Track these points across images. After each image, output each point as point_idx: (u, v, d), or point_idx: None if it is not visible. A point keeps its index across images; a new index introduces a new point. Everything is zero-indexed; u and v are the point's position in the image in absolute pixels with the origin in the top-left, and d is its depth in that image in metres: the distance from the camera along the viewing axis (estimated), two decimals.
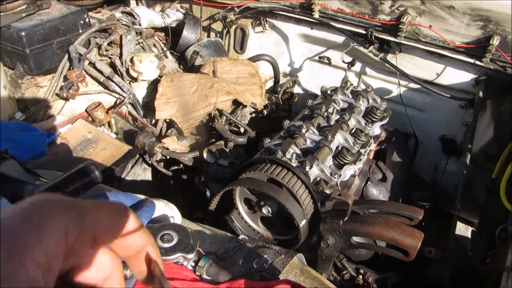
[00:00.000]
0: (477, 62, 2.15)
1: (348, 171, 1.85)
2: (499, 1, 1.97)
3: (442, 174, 2.63)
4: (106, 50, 2.45)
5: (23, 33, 2.13)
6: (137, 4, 2.94)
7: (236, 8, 2.69)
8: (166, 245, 0.98)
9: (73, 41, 2.37)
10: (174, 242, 0.99)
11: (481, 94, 2.17)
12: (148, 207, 1.08)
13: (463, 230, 2.63)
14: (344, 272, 1.75)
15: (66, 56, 2.37)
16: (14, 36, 2.14)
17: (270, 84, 2.88)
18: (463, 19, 2.09)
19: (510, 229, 1.78)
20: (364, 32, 2.36)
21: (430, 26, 2.19)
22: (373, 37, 2.33)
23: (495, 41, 2.03)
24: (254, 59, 2.58)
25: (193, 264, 1.03)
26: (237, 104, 2.24)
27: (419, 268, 1.94)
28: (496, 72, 2.13)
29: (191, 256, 0.97)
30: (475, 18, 2.06)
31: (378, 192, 1.99)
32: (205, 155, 2.00)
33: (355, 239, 1.49)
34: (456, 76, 2.29)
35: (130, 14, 2.71)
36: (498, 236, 1.81)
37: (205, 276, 1.01)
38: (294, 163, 1.64)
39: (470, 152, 2.12)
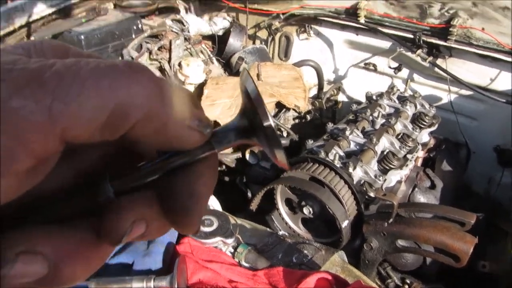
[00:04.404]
0: None
1: (393, 176, 1.78)
2: None
3: (497, 186, 2.47)
4: (157, 55, 2.55)
5: (82, 36, 2.28)
6: (187, 12, 3.05)
7: (281, 15, 2.72)
8: (207, 229, 0.99)
9: (126, 45, 2.49)
10: (214, 227, 1.00)
11: None
12: None
13: None
14: (389, 280, 1.67)
15: (120, 59, 2.49)
16: (74, 39, 2.29)
17: (313, 92, 2.86)
18: None
19: None
20: (412, 36, 2.30)
21: (483, 29, 2.10)
22: (421, 41, 2.26)
23: None
24: (298, 64, 2.58)
25: (232, 250, 1.03)
26: (280, 107, 2.25)
27: (471, 283, 1.82)
28: None
29: (230, 241, 0.97)
30: None
31: (426, 200, 1.90)
32: (247, 156, 2.01)
33: (401, 242, 1.42)
34: None
35: (179, 21, 2.81)
36: None
37: (243, 263, 1.01)
38: (337, 164, 1.61)
39: None
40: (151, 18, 2.82)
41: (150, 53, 2.57)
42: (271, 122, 0.31)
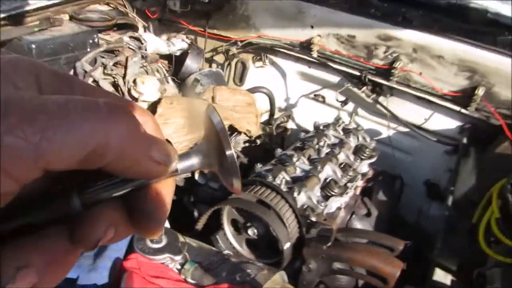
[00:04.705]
0: (463, 111, 2.27)
1: (334, 203, 1.90)
2: (485, 54, 2.12)
3: (426, 218, 2.68)
4: (111, 70, 2.54)
5: (33, 45, 2.23)
6: (145, 30, 3.08)
7: (239, 43, 2.83)
8: (155, 245, 1.02)
9: (80, 58, 2.46)
10: (163, 243, 1.03)
11: (465, 141, 2.27)
12: None
13: (442, 277, 2.64)
14: None
15: (72, 71, 2.45)
16: (25, 47, 2.23)
17: (265, 117, 2.97)
18: (451, 68, 2.23)
19: (487, 273, 1.82)
20: (358, 73, 2.49)
21: (421, 73, 2.33)
22: (366, 79, 2.45)
23: (480, 91, 2.15)
24: (252, 90, 2.69)
25: (179, 267, 1.06)
26: (232, 130, 2.32)
27: None
28: (480, 121, 2.25)
29: (178, 258, 1.00)
30: (462, 69, 2.20)
31: (362, 226, 2.03)
32: (196, 176, 2.05)
33: (337, 265, 1.52)
34: (443, 123, 2.40)
35: (137, 39, 2.83)
36: (475, 279, 1.85)
37: (189, 279, 1.04)
38: (284, 188, 1.69)
39: (452, 197, 2.19)
40: (108, 33, 2.81)
41: (105, 67, 2.56)
42: (233, 151, 0.37)
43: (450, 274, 2.51)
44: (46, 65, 0.34)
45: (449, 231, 2.14)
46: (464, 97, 2.25)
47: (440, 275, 2.50)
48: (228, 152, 0.35)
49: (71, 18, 2.70)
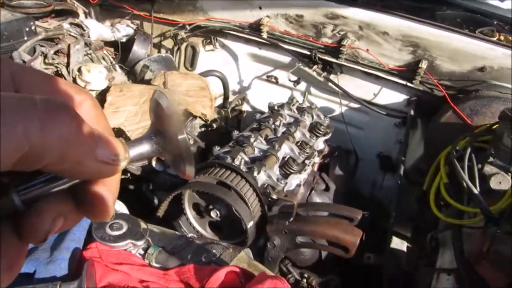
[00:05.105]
0: (409, 84, 2.37)
1: (293, 180, 1.93)
2: (426, 29, 2.21)
3: (380, 189, 2.80)
4: (53, 59, 2.40)
5: None
6: (86, 17, 2.93)
7: (187, 26, 2.76)
8: (116, 233, 0.99)
9: (17, 47, 2.30)
10: (124, 230, 1.00)
11: (412, 113, 2.37)
12: None
13: (399, 244, 2.79)
14: (289, 276, 1.79)
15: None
16: None
17: (219, 101, 2.94)
18: (395, 44, 2.31)
19: (439, 236, 1.94)
20: (308, 53, 2.52)
21: (368, 50, 2.40)
22: (317, 58, 2.49)
23: (424, 65, 2.26)
24: (205, 74, 2.65)
25: (142, 252, 1.04)
26: (187, 115, 2.28)
27: (359, 273, 2.05)
28: (425, 93, 2.36)
29: (140, 243, 0.98)
30: (406, 44, 2.29)
31: (321, 201, 2.08)
32: (154, 163, 2.00)
33: (300, 239, 1.55)
34: (391, 96, 2.50)
35: (78, 25, 2.69)
36: (429, 242, 1.96)
37: (154, 264, 1.02)
38: (243, 168, 1.69)
39: (403, 167, 2.29)
40: (46, 21, 2.64)
41: (45, 57, 2.41)
42: (185, 135, 0.35)
43: (405, 241, 2.66)
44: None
45: (402, 199, 2.25)
46: (409, 71, 2.35)
47: (397, 243, 2.64)
48: (180, 136, 0.34)
49: (3, 5, 2.51)
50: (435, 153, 2.13)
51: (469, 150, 1.76)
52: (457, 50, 2.21)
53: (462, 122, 2.12)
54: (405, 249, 2.63)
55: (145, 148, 0.35)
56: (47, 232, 0.31)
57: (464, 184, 1.65)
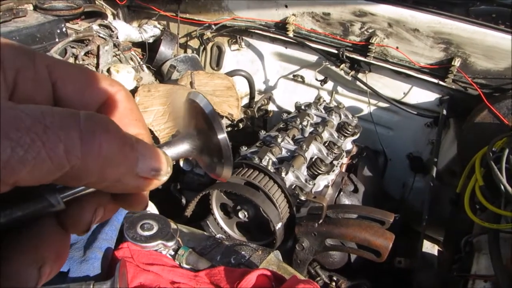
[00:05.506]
0: (441, 82, 2.29)
1: (321, 181, 1.90)
2: (459, 25, 2.14)
3: (410, 190, 2.72)
4: (83, 60, 2.44)
5: None
6: (114, 18, 2.97)
7: (213, 26, 2.76)
8: (147, 233, 0.98)
9: (49, 49, 2.35)
10: (154, 230, 0.99)
11: (444, 112, 2.30)
12: None
13: (429, 248, 2.71)
14: (318, 279, 1.76)
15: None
16: None
17: (245, 101, 2.94)
18: (427, 41, 2.24)
19: (474, 241, 1.87)
20: (336, 51, 2.48)
21: (397, 48, 2.33)
22: (344, 57, 2.44)
23: (457, 62, 2.18)
24: (231, 74, 2.64)
25: (172, 253, 1.03)
26: None
27: (389, 277, 1.99)
28: (458, 92, 2.28)
29: (171, 244, 0.97)
30: (438, 41, 2.22)
31: (350, 202, 2.04)
32: (181, 163, 2.01)
33: (329, 241, 1.52)
34: (422, 96, 2.43)
35: (107, 27, 2.73)
36: (463, 247, 1.89)
37: (184, 265, 1.01)
38: (271, 169, 1.67)
39: (436, 169, 2.22)
40: (76, 22, 2.69)
41: (76, 58, 2.46)
42: (225, 135, 0.34)
43: (436, 245, 2.58)
44: (7, 39, 0.31)
45: (434, 202, 2.18)
46: (441, 69, 2.28)
47: (428, 246, 2.56)
48: (220, 136, 0.32)
49: (36, 8, 2.57)
50: (469, 154, 2.05)
51: (507, 151, 1.68)
52: (492, 46, 2.12)
53: (498, 122, 2.03)
54: (436, 253, 2.56)
55: (181, 149, 0.34)
56: (89, 223, 0.32)
57: (502, 187, 1.58)
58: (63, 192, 0.30)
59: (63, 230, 0.32)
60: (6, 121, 0.24)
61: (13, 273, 0.27)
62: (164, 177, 0.32)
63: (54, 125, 0.25)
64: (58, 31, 2.44)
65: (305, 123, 2.11)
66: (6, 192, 0.25)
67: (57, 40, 2.43)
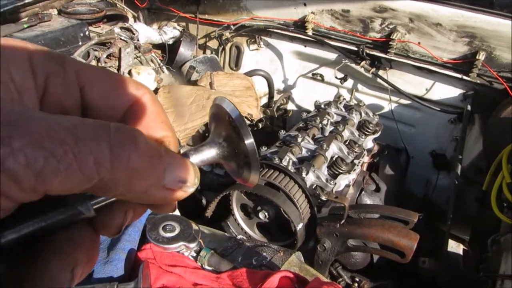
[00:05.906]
0: (465, 77, 2.24)
1: (342, 181, 1.87)
2: (483, 18, 2.08)
3: (433, 189, 2.67)
4: (105, 62, 2.49)
5: None
6: (135, 21, 3.02)
7: (231, 26, 2.77)
8: (169, 234, 0.99)
9: (72, 52, 2.41)
10: (176, 232, 1.00)
11: (469, 108, 2.24)
12: None
13: (454, 247, 2.65)
14: (340, 280, 1.75)
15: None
16: None
17: (264, 101, 2.93)
18: (450, 35, 2.19)
19: (502, 239, 1.82)
20: (355, 49, 2.45)
21: (419, 43, 2.29)
22: (364, 54, 2.41)
23: (481, 56, 2.12)
24: (250, 74, 2.64)
25: (194, 254, 1.04)
26: None
27: (413, 278, 1.96)
28: (483, 86, 2.22)
29: (193, 245, 0.98)
30: (461, 35, 2.16)
31: (372, 202, 2.01)
32: None
33: (351, 242, 1.50)
34: (445, 91, 2.37)
35: (128, 29, 2.77)
36: (490, 246, 1.84)
37: (206, 266, 1.02)
38: (291, 169, 1.67)
39: (460, 166, 2.17)
40: (98, 26, 2.75)
41: (98, 60, 2.51)
42: (253, 140, 0.33)
43: (462, 244, 2.52)
44: (38, 45, 0.32)
45: (459, 200, 2.13)
46: (464, 63, 2.22)
47: (453, 245, 2.50)
48: (248, 141, 0.32)
49: (60, 12, 2.64)
50: (495, 150, 2.00)
51: None
52: None
53: None
54: (461, 252, 2.50)
55: (208, 155, 0.34)
56: (120, 226, 0.33)
57: None
58: (93, 199, 0.31)
59: (94, 232, 0.33)
60: (39, 131, 0.24)
61: (49, 276, 0.29)
62: (191, 189, 0.32)
63: (85, 136, 0.26)
64: (81, 34, 2.50)
65: (325, 122, 2.09)
66: (37, 200, 0.26)
67: (80, 43, 2.49)
